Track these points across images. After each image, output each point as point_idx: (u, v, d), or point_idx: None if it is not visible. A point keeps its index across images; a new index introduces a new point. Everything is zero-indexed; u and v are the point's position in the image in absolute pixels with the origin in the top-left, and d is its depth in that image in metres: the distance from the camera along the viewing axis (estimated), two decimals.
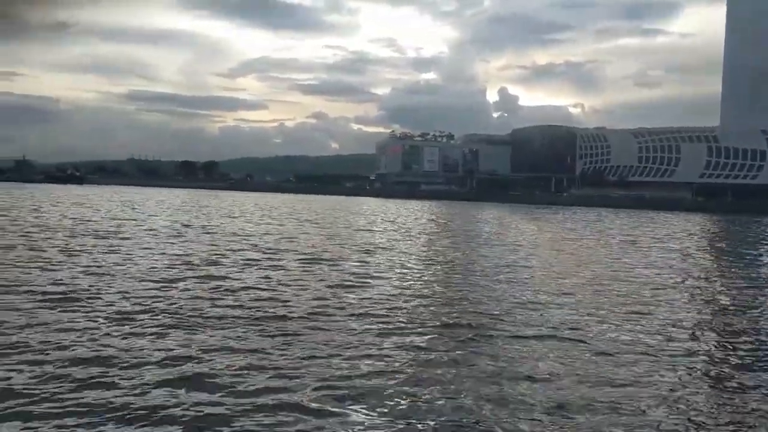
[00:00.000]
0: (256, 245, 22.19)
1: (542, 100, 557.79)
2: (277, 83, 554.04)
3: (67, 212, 37.91)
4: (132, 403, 6.29)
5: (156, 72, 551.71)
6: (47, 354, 7.78)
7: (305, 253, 20.15)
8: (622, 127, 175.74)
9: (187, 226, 30.74)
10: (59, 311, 10.13)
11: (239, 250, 20.54)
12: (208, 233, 26.89)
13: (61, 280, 13.11)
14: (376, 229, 34.36)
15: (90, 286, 12.53)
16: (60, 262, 15.89)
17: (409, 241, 27.52)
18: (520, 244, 27.66)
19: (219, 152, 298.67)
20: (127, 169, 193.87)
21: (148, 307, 10.76)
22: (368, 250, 22.40)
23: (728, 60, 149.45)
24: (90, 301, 11.07)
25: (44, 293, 11.53)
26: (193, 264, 16.53)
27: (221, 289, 12.93)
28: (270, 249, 21.10)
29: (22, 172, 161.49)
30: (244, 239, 24.53)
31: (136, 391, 6.62)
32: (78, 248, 18.93)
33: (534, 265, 19.41)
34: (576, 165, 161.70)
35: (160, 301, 11.31)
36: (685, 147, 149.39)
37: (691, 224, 59.43)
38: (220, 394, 6.69)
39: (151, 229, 27.52)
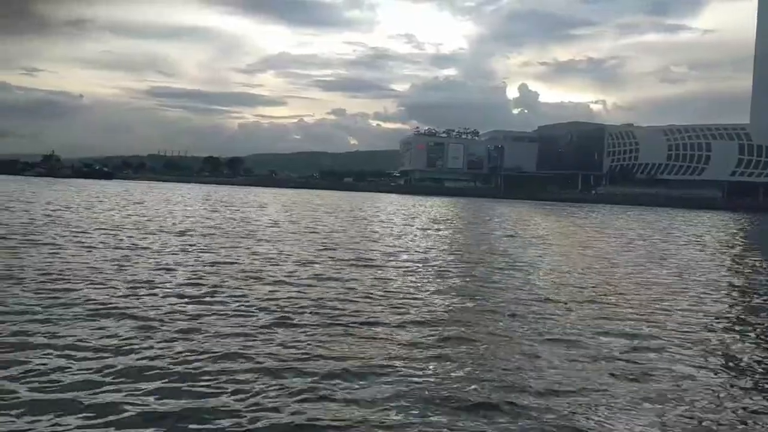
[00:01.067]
0: (336, 245, 22.07)
1: (563, 96, 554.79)
2: (296, 79, 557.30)
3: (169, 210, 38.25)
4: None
5: (176, 68, 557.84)
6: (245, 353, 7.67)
7: (388, 253, 20.00)
8: (644, 124, 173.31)
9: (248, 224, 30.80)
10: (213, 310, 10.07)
11: (326, 249, 20.43)
12: (293, 233, 26.84)
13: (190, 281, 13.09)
14: (441, 228, 34.08)
15: (218, 287, 12.47)
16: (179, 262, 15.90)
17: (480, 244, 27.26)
18: (589, 245, 27.27)
19: (238, 148, 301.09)
20: (153, 165, 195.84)
21: (298, 308, 10.65)
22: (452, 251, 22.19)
23: (759, 55, 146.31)
24: (241, 300, 11.03)
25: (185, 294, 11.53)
26: (294, 264, 16.44)
27: (348, 289, 12.78)
28: (350, 248, 20.95)
29: (50, 167, 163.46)
30: (323, 238, 24.45)
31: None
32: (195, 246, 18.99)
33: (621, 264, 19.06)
34: (604, 162, 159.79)
35: (296, 301, 11.19)
36: (716, 145, 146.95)
37: (736, 224, 58.35)
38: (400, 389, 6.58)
39: (227, 229, 27.58)
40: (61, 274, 12.87)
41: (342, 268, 15.84)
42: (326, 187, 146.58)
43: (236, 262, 16.05)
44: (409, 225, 35.03)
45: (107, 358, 7.47)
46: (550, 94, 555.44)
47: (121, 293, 11.27)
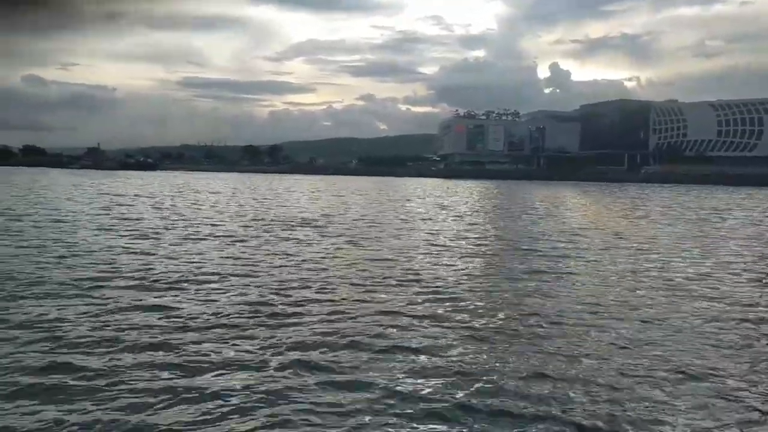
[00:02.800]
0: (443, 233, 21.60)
1: (596, 74, 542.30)
2: (324, 66, 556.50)
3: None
4: None
5: (207, 58, 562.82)
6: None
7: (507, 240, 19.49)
8: (680, 100, 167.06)
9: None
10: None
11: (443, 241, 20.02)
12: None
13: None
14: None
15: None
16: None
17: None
18: None
19: (269, 136, 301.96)
20: (193, 155, 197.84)
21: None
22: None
23: None
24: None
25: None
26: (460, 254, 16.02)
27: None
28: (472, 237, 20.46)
29: (96, 159, 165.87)
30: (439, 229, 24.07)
31: None
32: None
33: None
34: (650, 140, 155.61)
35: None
36: None
37: None
38: None
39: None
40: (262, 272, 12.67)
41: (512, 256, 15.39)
42: (367, 172, 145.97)
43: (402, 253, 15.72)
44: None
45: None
46: (583, 72, 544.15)
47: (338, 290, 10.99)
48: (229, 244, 16.83)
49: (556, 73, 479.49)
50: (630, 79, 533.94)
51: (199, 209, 29.71)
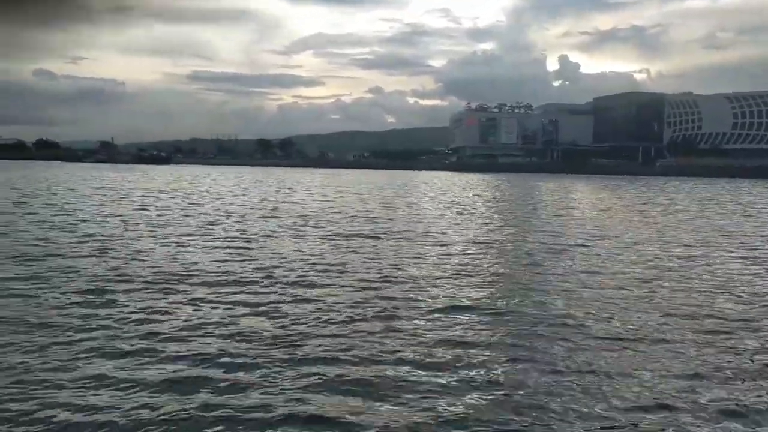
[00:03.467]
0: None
1: (605, 66, 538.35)
2: (333, 59, 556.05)
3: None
4: None
5: (215, 52, 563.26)
6: None
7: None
8: (693, 92, 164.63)
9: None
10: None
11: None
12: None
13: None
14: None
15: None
16: None
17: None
18: None
19: (278, 130, 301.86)
20: (205, 148, 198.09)
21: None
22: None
23: None
24: None
25: None
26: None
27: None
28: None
29: (110, 153, 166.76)
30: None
31: None
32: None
33: None
34: (663, 133, 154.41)
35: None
36: None
37: None
38: None
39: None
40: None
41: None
42: (381, 166, 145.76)
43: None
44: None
45: None
46: (592, 64, 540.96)
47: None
48: (288, 241, 16.94)
49: (565, 66, 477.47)
50: (640, 72, 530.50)
51: (238, 206, 29.84)
